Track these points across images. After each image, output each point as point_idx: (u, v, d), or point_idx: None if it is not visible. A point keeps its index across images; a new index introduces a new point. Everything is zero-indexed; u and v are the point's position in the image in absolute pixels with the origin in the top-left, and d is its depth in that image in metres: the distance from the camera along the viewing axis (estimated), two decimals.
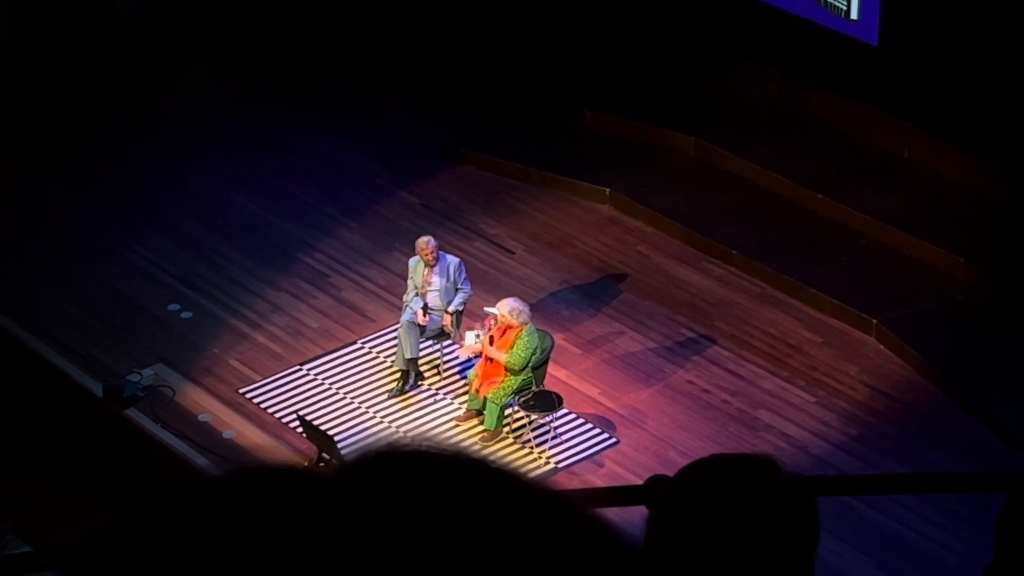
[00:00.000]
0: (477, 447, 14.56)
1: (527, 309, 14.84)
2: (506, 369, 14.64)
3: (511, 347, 14.64)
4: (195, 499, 1.46)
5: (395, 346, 15.60)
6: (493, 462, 1.48)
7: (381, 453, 1.47)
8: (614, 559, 1.46)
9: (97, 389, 15.34)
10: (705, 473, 2.76)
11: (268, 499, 1.44)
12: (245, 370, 15.73)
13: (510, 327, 14.67)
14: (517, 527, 1.42)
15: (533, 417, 14.82)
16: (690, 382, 15.51)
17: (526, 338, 14.63)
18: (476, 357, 15.18)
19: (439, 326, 15.45)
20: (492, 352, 14.70)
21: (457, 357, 15.67)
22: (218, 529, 1.42)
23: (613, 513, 1.54)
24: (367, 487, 1.44)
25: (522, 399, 14.75)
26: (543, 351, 14.89)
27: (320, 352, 15.94)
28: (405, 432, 14.93)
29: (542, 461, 14.72)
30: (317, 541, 1.40)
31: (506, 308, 14.70)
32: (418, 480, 1.44)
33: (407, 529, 1.40)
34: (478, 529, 1.41)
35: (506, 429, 14.97)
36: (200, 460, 14.56)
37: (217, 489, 1.47)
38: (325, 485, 1.45)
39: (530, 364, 14.68)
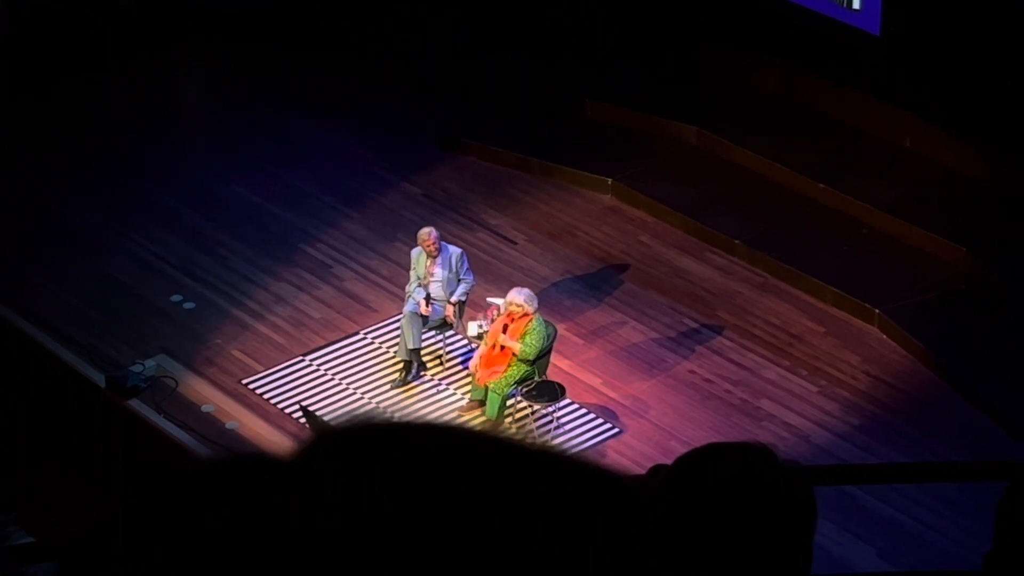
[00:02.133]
0: None
1: (536, 298, 14.88)
2: (519, 358, 14.61)
3: (522, 336, 14.63)
4: (166, 494, 1.49)
5: (398, 336, 15.60)
6: (455, 425, 1.49)
7: (339, 432, 1.49)
8: (601, 490, 1.47)
9: (100, 380, 15.35)
10: (701, 461, 2.76)
11: (232, 489, 1.46)
12: (248, 361, 15.74)
13: (524, 315, 14.64)
14: (496, 476, 1.43)
15: (536, 407, 14.83)
16: (692, 372, 15.52)
17: (539, 327, 14.63)
18: (477, 346, 15.18)
19: (442, 316, 15.46)
20: (505, 340, 14.66)
21: (459, 347, 15.67)
22: (183, 521, 1.45)
23: None
24: (326, 468, 1.45)
25: (525, 389, 14.74)
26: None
27: (323, 343, 15.94)
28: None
29: None
30: (283, 525, 1.41)
31: (522, 296, 14.67)
32: (376, 455, 1.45)
33: (370, 506, 1.41)
34: (446, 500, 1.42)
35: (509, 419, 14.97)
36: (203, 451, 14.57)
37: (184, 483, 1.49)
38: (285, 469, 1.46)
39: (541, 352, 14.69)
